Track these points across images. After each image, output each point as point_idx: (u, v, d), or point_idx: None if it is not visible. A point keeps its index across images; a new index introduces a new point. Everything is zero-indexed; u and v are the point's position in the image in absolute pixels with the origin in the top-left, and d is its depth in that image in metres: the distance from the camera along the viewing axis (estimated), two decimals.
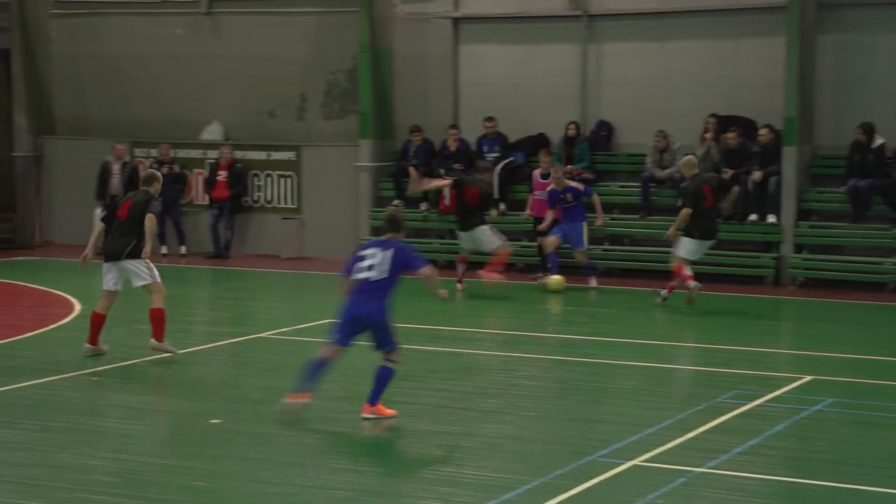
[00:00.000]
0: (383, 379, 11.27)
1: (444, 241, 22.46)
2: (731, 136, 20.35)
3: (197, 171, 24.49)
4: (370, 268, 11.02)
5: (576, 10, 22.12)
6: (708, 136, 20.67)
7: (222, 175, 23.78)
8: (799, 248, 20.17)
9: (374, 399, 11.26)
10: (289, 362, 14.24)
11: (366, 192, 23.06)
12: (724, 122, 20.75)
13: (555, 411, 11.85)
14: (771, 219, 20.21)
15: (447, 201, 22.06)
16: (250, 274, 22.09)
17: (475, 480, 9.46)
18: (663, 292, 17.80)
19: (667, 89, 21.70)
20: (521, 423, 11.31)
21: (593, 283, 19.59)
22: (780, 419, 11.30)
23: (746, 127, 20.71)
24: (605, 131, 22.14)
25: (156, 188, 13.92)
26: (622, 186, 21.74)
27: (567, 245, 19.63)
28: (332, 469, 9.86)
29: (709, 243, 17.93)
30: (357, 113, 23.34)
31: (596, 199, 19.67)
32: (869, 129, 19.65)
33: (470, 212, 19.20)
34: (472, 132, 22.55)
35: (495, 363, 14.40)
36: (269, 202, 24.10)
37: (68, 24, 25.79)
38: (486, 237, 19.15)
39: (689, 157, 18.62)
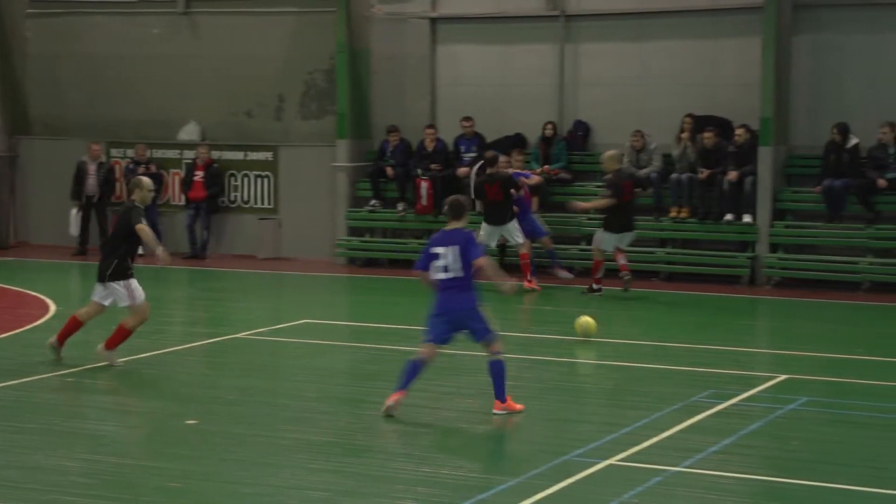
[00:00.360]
0: (499, 374, 11.35)
1: (421, 241, 22.42)
2: (707, 136, 20.39)
3: (173, 171, 24.40)
4: (445, 269, 11.16)
5: (553, 11, 22.13)
6: (684, 135, 20.70)
7: (199, 175, 23.69)
8: (774, 248, 20.22)
9: (500, 395, 11.33)
10: (265, 363, 14.22)
11: (343, 192, 23.01)
12: (700, 122, 20.79)
13: (532, 411, 11.82)
14: (747, 218, 20.26)
15: (424, 201, 22.05)
16: (227, 274, 22.01)
17: (452, 480, 9.43)
18: (595, 286, 18.57)
19: (643, 89, 21.73)
20: (498, 423, 11.28)
21: (565, 273, 19.77)
22: (757, 418, 11.32)
23: (722, 127, 20.75)
24: (581, 131, 22.16)
25: (140, 195, 13.41)
26: (599, 186, 21.74)
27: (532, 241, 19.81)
28: (309, 469, 9.82)
29: (628, 236, 18.82)
30: (334, 113, 23.29)
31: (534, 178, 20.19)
32: (844, 130, 19.71)
33: (499, 206, 19.28)
34: (449, 132, 22.53)
35: (473, 363, 14.37)
36: (246, 202, 24.03)
37: (44, 24, 25.66)
38: (516, 231, 19.39)
39: (613, 152, 19.08)
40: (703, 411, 11.46)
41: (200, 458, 10.14)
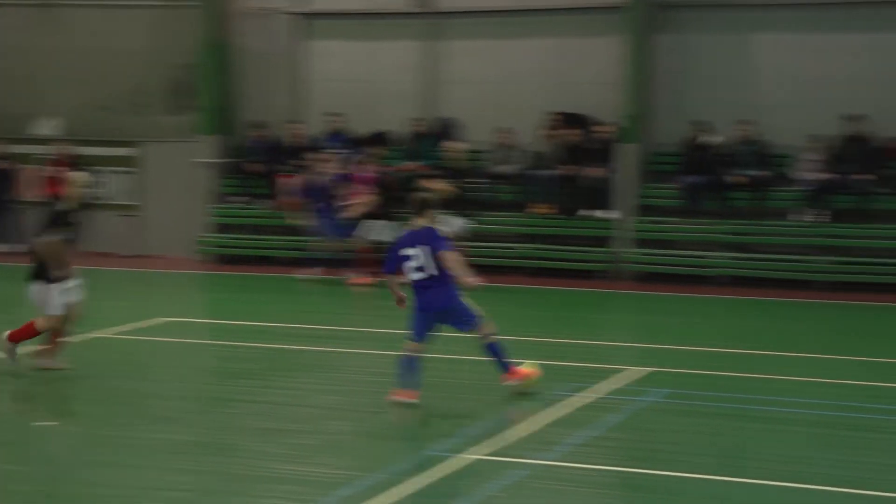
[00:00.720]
0: (498, 353, 11.71)
1: (287, 238, 22.24)
2: (570, 133, 20.56)
3: (31, 166, 23.76)
4: (421, 269, 11.25)
5: (420, 8, 22.09)
6: (549, 132, 20.84)
7: (58, 171, 23.07)
8: (636, 243, 20.48)
9: (505, 368, 11.70)
10: (126, 362, 13.91)
11: (207, 188, 22.67)
12: (564, 119, 20.96)
13: (393, 406, 11.76)
14: (608, 214, 20.49)
15: (290, 198, 21.84)
16: (88, 272, 21.46)
17: (316, 478, 9.31)
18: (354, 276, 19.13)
19: (509, 87, 21.84)
20: (362, 420, 11.20)
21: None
22: (619, 411, 11.41)
23: (586, 124, 20.95)
24: (448, 128, 22.18)
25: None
26: (467, 182, 21.78)
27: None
28: (171, 470, 9.59)
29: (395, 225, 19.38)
30: (198, 109, 22.93)
31: None
32: (703, 128, 20.05)
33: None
34: (315, 128, 22.36)
35: (336, 360, 14.27)
36: (109, 199, 23.51)
37: None
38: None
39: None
40: (566, 405, 11.51)
41: (57, 460, 9.86)
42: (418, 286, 11.32)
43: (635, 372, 13.04)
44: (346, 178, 20.20)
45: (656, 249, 20.45)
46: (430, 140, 21.80)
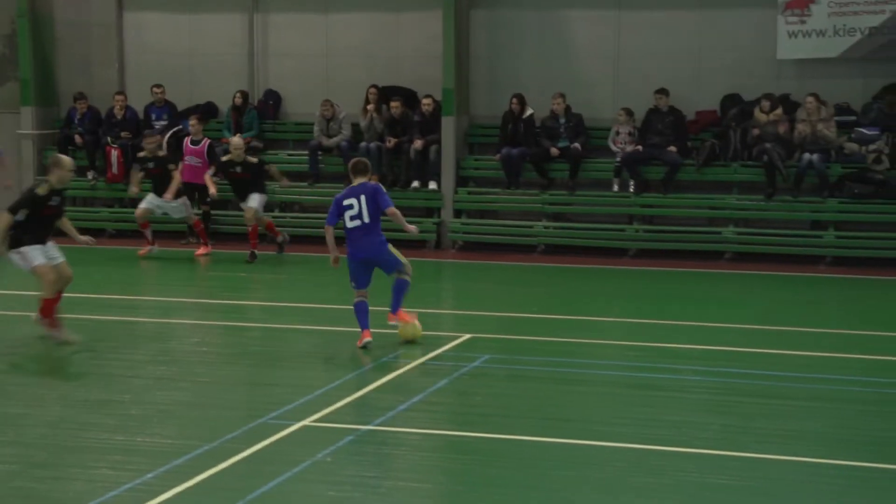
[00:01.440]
0: (400, 289, 12.85)
1: (112, 209, 21.91)
2: (394, 106, 20.71)
3: None
4: (358, 216, 12.41)
5: None
6: (371, 106, 20.95)
7: None
8: (458, 213, 20.78)
9: (395, 307, 12.82)
10: None
11: (29, 160, 22.14)
12: (387, 93, 21.09)
13: (227, 376, 11.78)
14: (432, 185, 20.73)
15: (115, 169, 21.51)
16: None
17: (147, 448, 9.31)
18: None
19: (331, 60, 21.85)
20: (193, 390, 11.19)
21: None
22: (442, 376, 11.64)
23: (408, 97, 21.12)
24: (272, 100, 22.09)
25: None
26: (290, 154, 21.76)
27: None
28: None
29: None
30: (18, 80, 22.35)
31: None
32: (520, 101, 20.42)
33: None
34: (140, 100, 22.01)
35: (166, 330, 14.18)
36: None
37: None
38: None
39: (238, 139, 19.34)
40: (392, 371, 11.70)
41: None
42: (353, 235, 12.48)
43: (456, 338, 13.29)
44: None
45: (478, 220, 20.79)
46: (253, 112, 21.69)
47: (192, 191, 19.76)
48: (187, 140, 20.28)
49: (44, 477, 8.71)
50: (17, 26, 22.24)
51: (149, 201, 19.23)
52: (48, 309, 12.96)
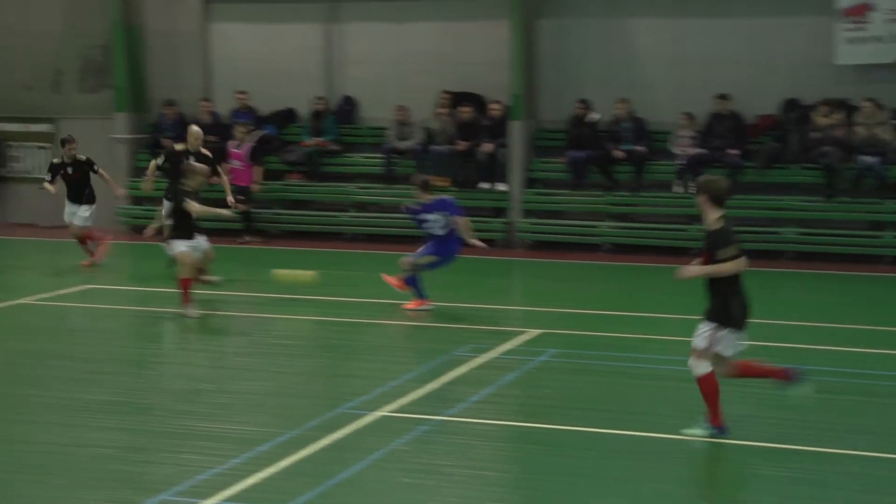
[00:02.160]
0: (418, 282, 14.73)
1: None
2: (464, 111, 20.76)
3: None
4: (441, 227, 14.50)
5: None
6: (442, 111, 21.01)
7: None
8: (526, 214, 20.77)
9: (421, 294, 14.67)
10: (50, 326, 13.84)
11: (122, 163, 22.48)
12: (457, 98, 21.14)
13: (308, 368, 11.90)
14: (501, 187, 20.74)
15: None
16: (9, 242, 21.23)
17: (233, 434, 9.44)
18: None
19: (404, 67, 21.93)
20: (276, 380, 11.32)
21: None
22: (512, 369, 11.67)
23: (478, 102, 21.15)
24: (349, 106, 22.23)
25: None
26: (366, 157, 21.88)
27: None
28: (98, 428, 9.65)
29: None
30: (112, 87, 22.69)
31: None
32: (585, 105, 20.37)
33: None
34: (224, 105, 22.27)
35: (250, 324, 14.34)
36: (28, 172, 23.21)
37: None
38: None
39: (196, 128, 18.00)
40: (464, 364, 11.75)
41: None
42: (439, 239, 14.53)
43: (528, 333, 13.30)
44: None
45: (546, 220, 20.77)
46: (331, 117, 21.84)
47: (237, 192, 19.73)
48: (231, 145, 20.77)
49: (137, 461, 8.88)
50: (112, 36, 22.57)
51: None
52: (186, 290, 14.01)
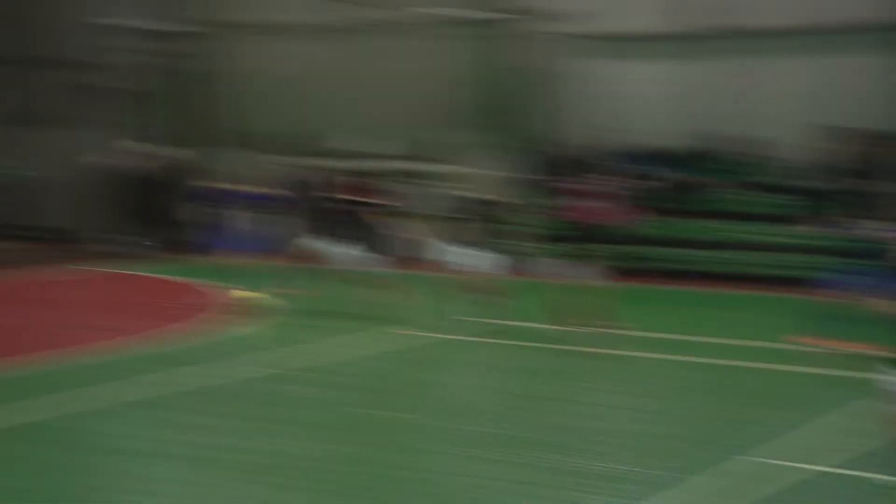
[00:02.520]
0: None
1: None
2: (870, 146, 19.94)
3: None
4: None
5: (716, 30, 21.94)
6: (832, 147, 20.19)
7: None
8: None
9: None
10: (431, 359, 14.26)
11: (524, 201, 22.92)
12: (844, 135, 20.31)
13: (694, 410, 11.61)
14: None
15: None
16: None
17: (617, 474, 9.47)
18: None
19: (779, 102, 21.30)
20: (668, 424, 11.23)
21: None
22: None
23: (870, 138, 20.29)
24: (724, 141, 21.78)
25: None
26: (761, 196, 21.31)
27: None
28: (488, 461, 9.87)
29: None
30: (505, 127, 23.34)
31: None
32: None
33: None
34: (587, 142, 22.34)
35: (628, 365, 14.28)
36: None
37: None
38: None
39: None
40: (853, 414, 11.26)
41: (380, 445, 10.45)
42: None
43: None
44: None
45: None
46: (714, 155, 21.52)
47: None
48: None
49: (523, 494, 9.06)
50: (504, 78, 23.22)
51: None
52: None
